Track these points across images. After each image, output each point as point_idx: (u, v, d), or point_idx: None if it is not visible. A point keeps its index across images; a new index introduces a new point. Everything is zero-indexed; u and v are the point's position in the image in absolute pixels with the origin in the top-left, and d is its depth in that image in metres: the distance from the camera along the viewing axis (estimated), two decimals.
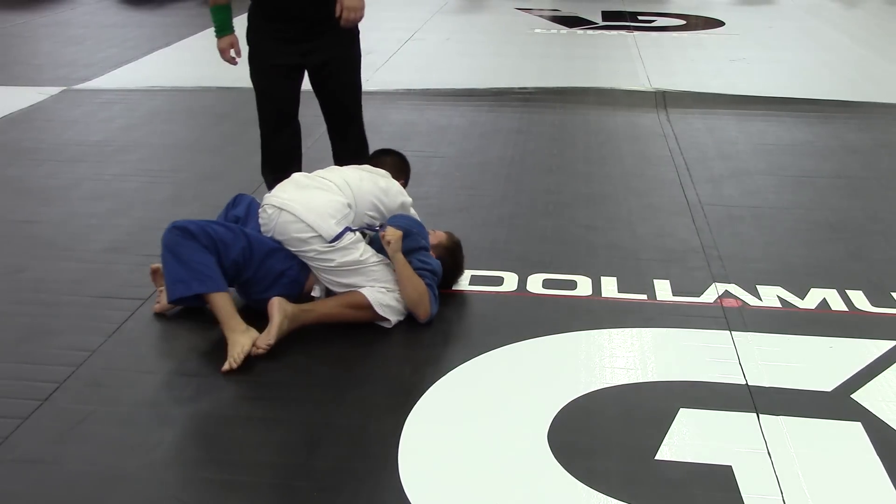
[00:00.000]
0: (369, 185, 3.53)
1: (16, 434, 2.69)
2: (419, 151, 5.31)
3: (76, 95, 6.91)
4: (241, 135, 5.96)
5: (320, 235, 3.27)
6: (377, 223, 3.52)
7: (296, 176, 3.55)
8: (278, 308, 3.18)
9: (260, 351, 3.13)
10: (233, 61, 4.11)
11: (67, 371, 3.03)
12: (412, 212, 3.70)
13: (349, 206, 3.38)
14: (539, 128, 6.21)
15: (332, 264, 3.31)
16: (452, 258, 3.63)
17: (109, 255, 3.98)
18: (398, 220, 3.51)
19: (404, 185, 3.82)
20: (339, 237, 3.29)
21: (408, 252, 3.40)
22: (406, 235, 3.42)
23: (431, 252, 3.54)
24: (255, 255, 3.30)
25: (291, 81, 4.17)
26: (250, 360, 3.16)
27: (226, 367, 3.05)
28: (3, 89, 7.09)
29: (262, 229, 3.39)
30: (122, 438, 2.69)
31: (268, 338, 3.13)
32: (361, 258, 3.33)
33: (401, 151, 4.00)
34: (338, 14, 3.91)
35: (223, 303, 3.19)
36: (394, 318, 3.34)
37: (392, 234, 3.31)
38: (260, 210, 3.43)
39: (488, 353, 3.21)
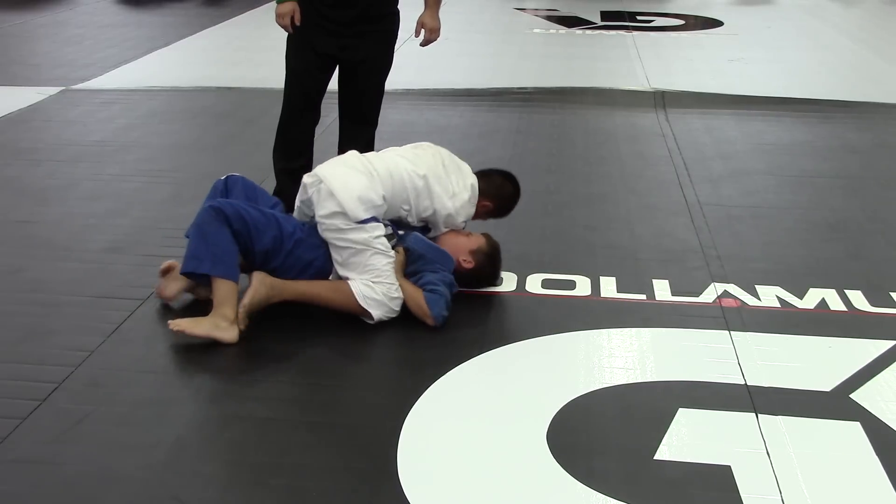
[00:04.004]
0: (419, 182, 3.50)
1: (14, 434, 2.69)
2: None
3: (75, 95, 6.91)
4: (240, 135, 5.97)
5: (346, 214, 3.32)
6: (409, 218, 3.57)
7: (349, 156, 3.62)
8: (256, 277, 3.28)
9: (241, 326, 3.21)
10: (288, 28, 4.12)
11: (66, 371, 3.03)
12: (447, 226, 3.64)
13: (384, 198, 3.43)
14: (538, 128, 6.22)
15: (342, 237, 3.34)
16: (491, 263, 3.64)
17: (108, 255, 3.98)
18: (416, 243, 3.52)
19: (491, 210, 3.78)
20: (364, 222, 3.34)
21: (420, 270, 3.46)
22: (418, 258, 3.47)
23: (471, 257, 3.56)
24: (285, 245, 3.38)
25: (324, 72, 4.27)
26: (250, 360, 3.16)
27: (171, 324, 3.18)
28: (1, 89, 7.09)
29: (299, 196, 3.52)
30: (121, 438, 2.69)
31: (241, 306, 3.22)
32: (371, 237, 3.34)
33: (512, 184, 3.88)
34: (417, 34, 4.29)
35: (225, 290, 3.24)
36: (377, 313, 3.33)
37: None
38: (305, 176, 3.52)
39: (487, 352, 3.21)
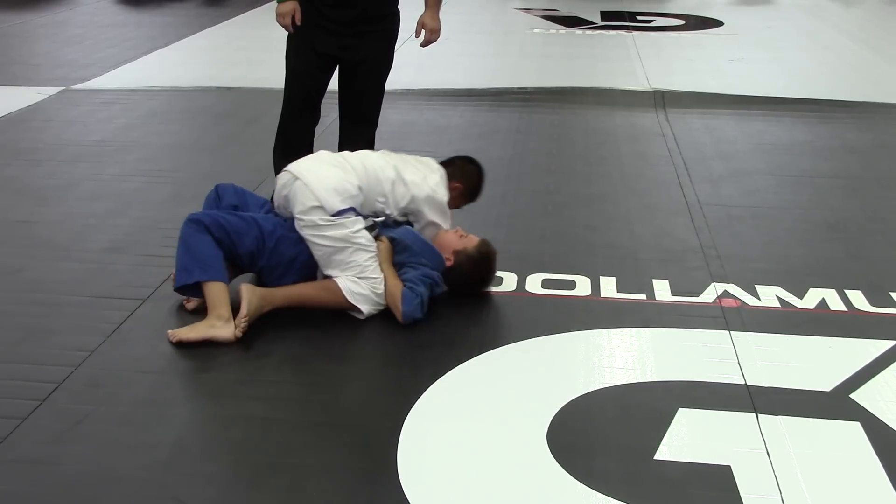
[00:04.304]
0: (391, 173, 3.58)
1: (14, 434, 2.69)
2: (418, 151, 5.28)
3: (75, 95, 6.91)
4: (240, 135, 5.97)
5: (323, 207, 3.34)
6: (387, 210, 3.59)
7: (321, 152, 3.70)
8: (245, 288, 3.29)
9: (240, 332, 3.22)
10: (289, 28, 4.13)
11: (66, 371, 3.03)
12: (445, 214, 3.70)
13: (359, 188, 3.46)
14: (538, 128, 6.22)
15: (322, 234, 3.36)
16: (473, 267, 3.57)
17: (108, 255, 3.98)
18: (405, 234, 3.54)
19: (463, 191, 3.83)
20: (340, 213, 3.36)
21: (405, 263, 3.46)
22: (403, 249, 3.47)
23: (452, 256, 3.54)
24: (267, 244, 3.43)
25: (325, 72, 4.28)
26: (250, 360, 3.16)
27: (169, 334, 3.22)
28: (1, 89, 7.09)
29: (276, 193, 3.54)
30: (120, 438, 2.69)
31: (239, 317, 3.23)
32: (351, 233, 3.37)
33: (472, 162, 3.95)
34: (417, 34, 4.29)
35: (216, 291, 3.29)
36: (366, 308, 3.36)
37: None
38: (279, 175, 3.57)
39: (488, 353, 3.21)
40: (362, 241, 3.40)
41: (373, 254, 3.42)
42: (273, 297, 3.36)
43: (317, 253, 3.42)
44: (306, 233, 3.41)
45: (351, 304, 3.36)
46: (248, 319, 3.24)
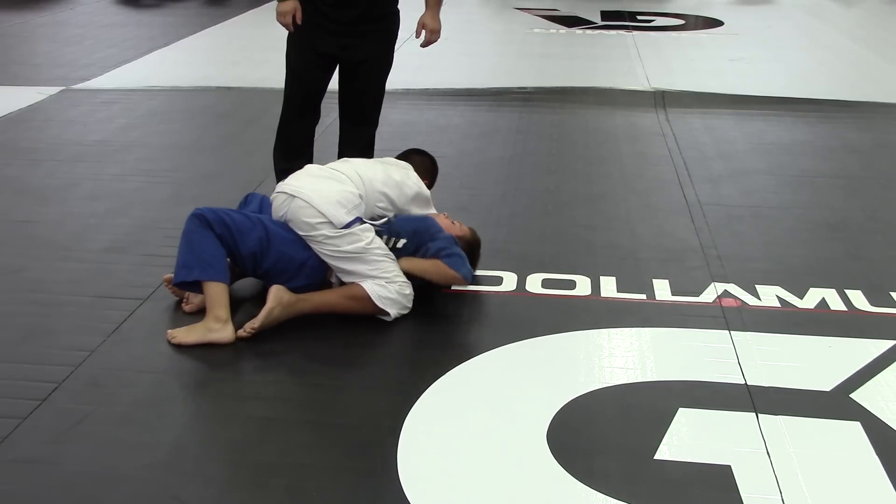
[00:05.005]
0: (382, 176, 3.61)
1: (14, 434, 2.69)
2: None
3: (75, 95, 6.91)
4: (240, 135, 5.97)
5: (330, 222, 3.32)
6: (389, 214, 3.61)
7: (309, 167, 3.66)
8: (274, 295, 3.24)
9: (244, 334, 3.20)
10: (289, 27, 4.13)
11: (66, 371, 3.03)
12: (430, 206, 3.78)
13: (360, 196, 3.45)
14: (538, 127, 6.21)
15: (338, 250, 3.34)
16: (471, 252, 3.70)
17: (108, 255, 3.98)
18: (402, 224, 3.56)
19: (428, 186, 3.90)
20: (349, 225, 3.34)
21: (423, 244, 3.50)
22: (414, 235, 3.51)
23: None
24: (273, 246, 3.36)
25: (325, 72, 4.29)
26: (250, 359, 3.16)
27: (168, 335, 3.22)
28: (1, 89, 7.09)
29: (274, 215, 3.46)
30: (120, 438, 2.69)
31: (253, 322, 3.20)
32: (368, 246, 3.35)
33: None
34: (417, 35, 4.29)
35: (215, 292, 3.25)
36: (394, 311, 3.36)
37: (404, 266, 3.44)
38: (273, 196, 3.51)
39: (488, 352, 3.21)
40: (379, 252, 3.38)
41: (392, 260, 3.40)
42: (301, 306, 3.31)
43: (332, 263, 3.38)
44: (318, 248, 3.37)
45: (379, 308, 3.34)
46: (259, 329, 3.20)
